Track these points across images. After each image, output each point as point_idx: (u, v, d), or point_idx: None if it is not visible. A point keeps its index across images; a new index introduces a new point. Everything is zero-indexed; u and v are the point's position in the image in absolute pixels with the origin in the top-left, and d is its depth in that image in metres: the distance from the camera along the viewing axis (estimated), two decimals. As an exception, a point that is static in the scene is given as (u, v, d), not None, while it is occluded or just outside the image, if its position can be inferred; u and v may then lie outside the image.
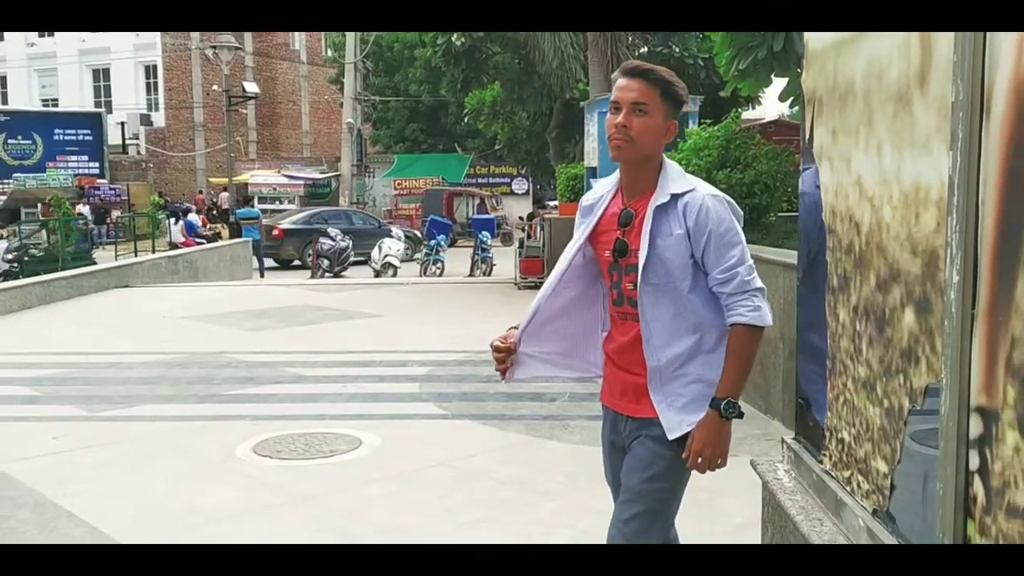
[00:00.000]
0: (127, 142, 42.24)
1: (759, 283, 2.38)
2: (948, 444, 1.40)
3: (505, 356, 2.61)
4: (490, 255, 20.60)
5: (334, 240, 22.25)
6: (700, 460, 2.35)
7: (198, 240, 24.52)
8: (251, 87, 28.99)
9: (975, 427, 1.36)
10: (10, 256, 17.21)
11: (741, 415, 2.37)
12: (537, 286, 14.12)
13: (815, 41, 2.13)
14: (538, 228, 15.52)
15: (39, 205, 28.09)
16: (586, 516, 4.26)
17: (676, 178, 2.46)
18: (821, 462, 2.11)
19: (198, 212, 29.69)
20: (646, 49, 16.39)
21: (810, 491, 2.16)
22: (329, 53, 43.16)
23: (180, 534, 4.26)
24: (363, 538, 4.20)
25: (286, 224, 24.83)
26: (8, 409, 6.85)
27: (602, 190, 2.60)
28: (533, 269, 14.27)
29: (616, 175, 2.59)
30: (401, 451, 5.60)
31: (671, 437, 2.40)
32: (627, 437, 2.55)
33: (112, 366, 8.52)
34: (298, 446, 5.67)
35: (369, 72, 38.36)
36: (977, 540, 1.42)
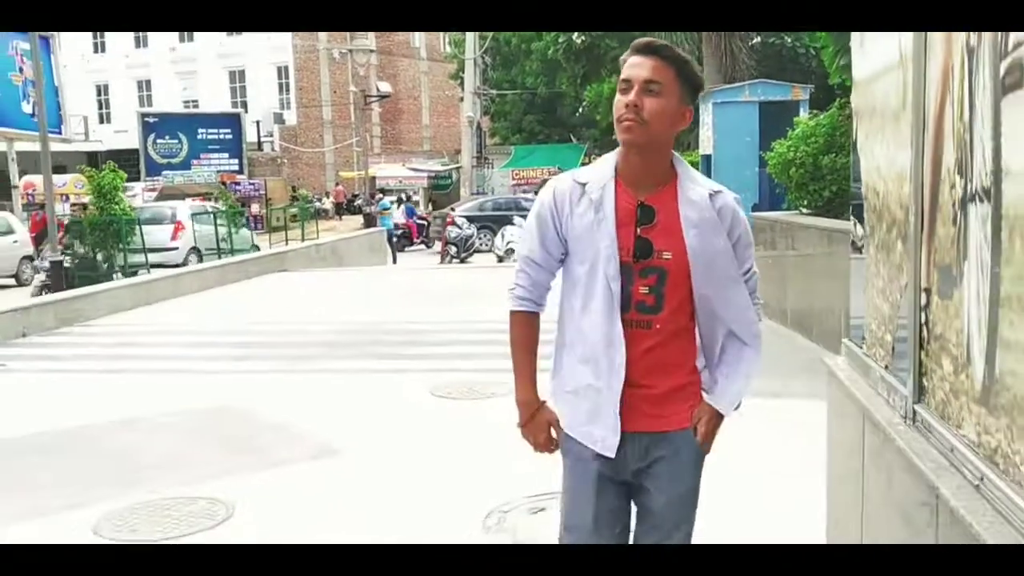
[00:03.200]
0: (262, 139, 45.00)
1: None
2: (912, 311, 2.42)
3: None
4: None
5: (461, 228, 23.74)
6: (705, 444, 2.34)
7: (418, 223, 27.26)
8: (384, 86, 30.78)
9: (923, 299, 2.40)
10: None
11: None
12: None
13: (858, 72, 3.15)
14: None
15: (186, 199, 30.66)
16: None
17: (698, 176, 2.31)
18: (861, 347, 3.14)
19: (337, 204, 31.95)
20: (758, 39, 17.09)
21: (855, 368, 3.20)
22: (448, 49, 44.95)
23: (388, 440, 5.59)
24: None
25: (460, 213, 26.13)
26: (229, 365, 8.40)
27: (595, 180, 2.26)
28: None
29: (607, 163, 2.29)
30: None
31: (731, 411, 2.35)
32: (635, 463, 2.30)
33: (290, 335, 10.06)
34: (467, 389, 6.97)
35: (487, 67, 39.85)
36: (925, 361, 2.45)
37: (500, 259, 22.10)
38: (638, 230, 2.21)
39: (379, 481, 5.00)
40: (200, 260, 17.81)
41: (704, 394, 2.34)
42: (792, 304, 9.19)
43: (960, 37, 2.01)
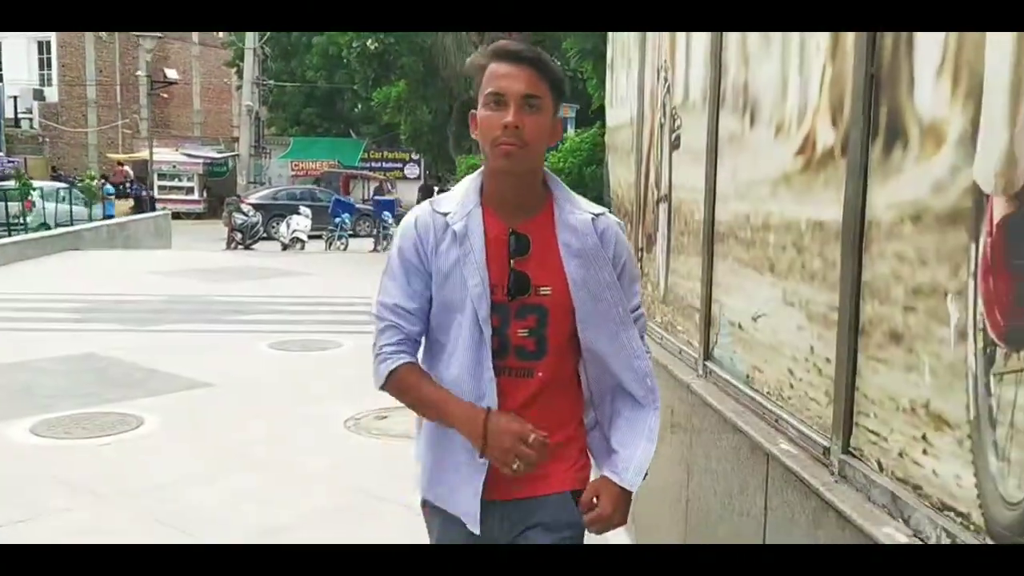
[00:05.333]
0: (19, 116, 42.63)
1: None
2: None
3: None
4: (391, 233, 23.15)
5: (247, 215, 24.46)
6: (603, 527, 1.98)
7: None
8: (172, 73, 30.58)
9: (639, 253, 4.34)
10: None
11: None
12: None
13: (610, 122, 5.04)
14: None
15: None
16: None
17: (575, 197, 1.99)
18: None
19: (116, 184, 31.38)
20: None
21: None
22: (225, 36, 44.62)
23: (251, 377, 6.98)
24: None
25: (253, 200, 26.53)
26: (76, 325, 9.31)
27: (457, 209, 1.92)
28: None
29: (470, 188, 1.95)
30: (363, 351, 8.42)
31: (639, 482, 1.98)
32: (502, 533, 1.97)
33: (121, 303, 10.95)
34: (302, 345, 8.42)
35: (267, 57, 40.16)
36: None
37: (284, 247, 23.02)
38: (511, 263, 1.89)
39: (257, 402, 6.43)
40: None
41: (605, 471, 2.01)
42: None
43: (657, 115, 3.90)
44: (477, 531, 1.93)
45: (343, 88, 37.86)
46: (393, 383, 1.95)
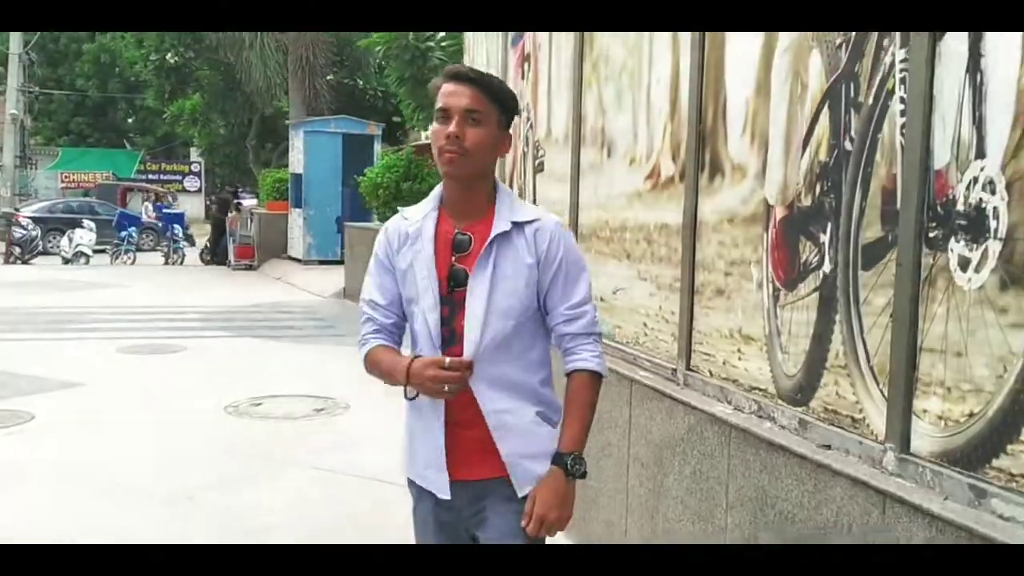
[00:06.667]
0: None
1: (600, 327, 2.24)
2: None
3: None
4: (181, 246, 22.89)
5: (26, 229, 23.40)
6: (543, 525, 2.08)
7: None
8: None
9: None
10: None
11: (585, 474, 2.13)
12: (249, 267, 17.43)
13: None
14: (246, 222, 18.58)
15: None
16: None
17: (517, 204, 2.20)
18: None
19: None
20: (332, 78, 20.09)
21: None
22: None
23: (117, 376, 7.45)
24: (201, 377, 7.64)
25: (29, 213, 25.06)
26: None
27: (417, 215, 2.19)
28: (246, 254, 17.53)
29: (433, 195, 2.21)
30: (210, 347, 9.02)
31: (521, 495, 2.12)
32: (467, 510, 2.18)
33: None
34: (151, 349, 8.87)
35: (32, 63, 37.99)
36: None
37: (66, 261, 22.21)
38: (453, 259, 2.12)
39: (131, 397, 6.95)
40: None
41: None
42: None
43: (520, 145, 5.03)
44: (447, 496, 2.16)
45: (116, 98, 36.62)
46: (367, 363, 2.24)
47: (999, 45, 2.00)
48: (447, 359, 2.05)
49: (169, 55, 19.57)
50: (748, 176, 2.97)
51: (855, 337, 2.47)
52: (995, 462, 2.00)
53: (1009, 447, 1.97)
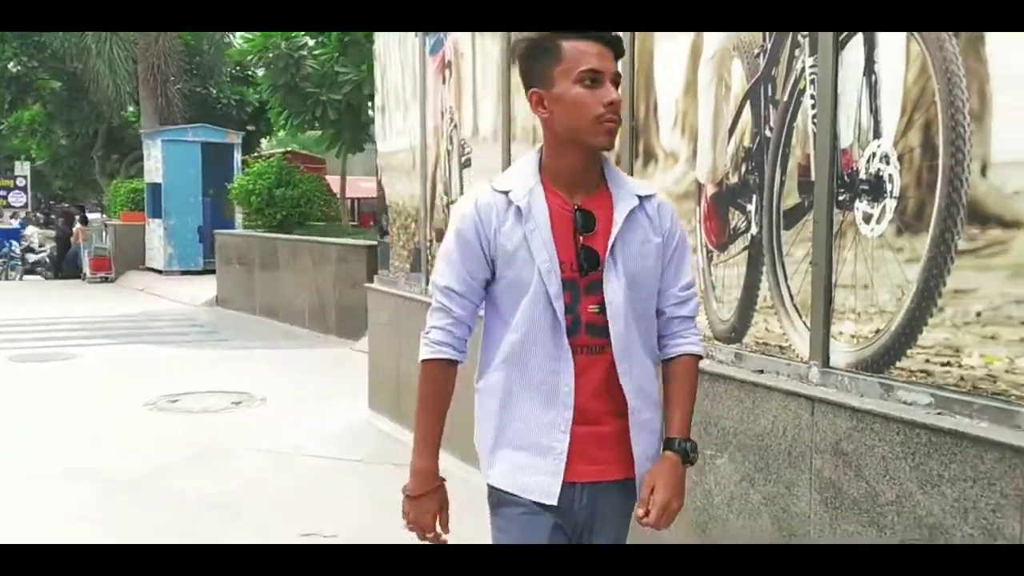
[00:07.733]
0: None
1: None
2: (423, 248, 5.96)
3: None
4: (18, 262, 21.91)
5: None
6: (665, 514, 1.89)
7: None
8: None
9: (426, 244, 5.94)
10: None
11: (695, 461, 2.00)
12: (106, 280, 16.94)
13: (382, 148, 6.57)
14: (100, 233, 17.96)
15: None
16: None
17: (625, 175, 2.03)
18: (389, 273, 6.61)
19: None
20: (183, 86, 19.79)
21: (386, 283, 6.68)
22: None
23: (24, 383, 7.42)
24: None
25: None
26: None
27: (520, 187, 1.92)
28: (102, 266, 17.07)
29: (527, 165, 1.98)
30: (101, 354, 9.04)
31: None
32: (579, 515, 1.96)
33: None
34: (41, 357, 8.78)
35: None
36: (428, 268, 5.95)
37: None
38: (579, 239, 1.91)
39: (46, 399, 6.96)
40: None
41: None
42: (260, 298, 12.31)
43: (443, 144, 5.54)
44: (553, 501, 1.91)
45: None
46: (423, 370, 1.98)
47: (890, 52, 2.71)
48: (442, 535, 1.98)
49: (11, 64, 18.74)
50: (680, 161, 3.62)
51: (780, 283, 3.15)
52: (898, 364, 2.70)
53: (908, 351, 2.67)
